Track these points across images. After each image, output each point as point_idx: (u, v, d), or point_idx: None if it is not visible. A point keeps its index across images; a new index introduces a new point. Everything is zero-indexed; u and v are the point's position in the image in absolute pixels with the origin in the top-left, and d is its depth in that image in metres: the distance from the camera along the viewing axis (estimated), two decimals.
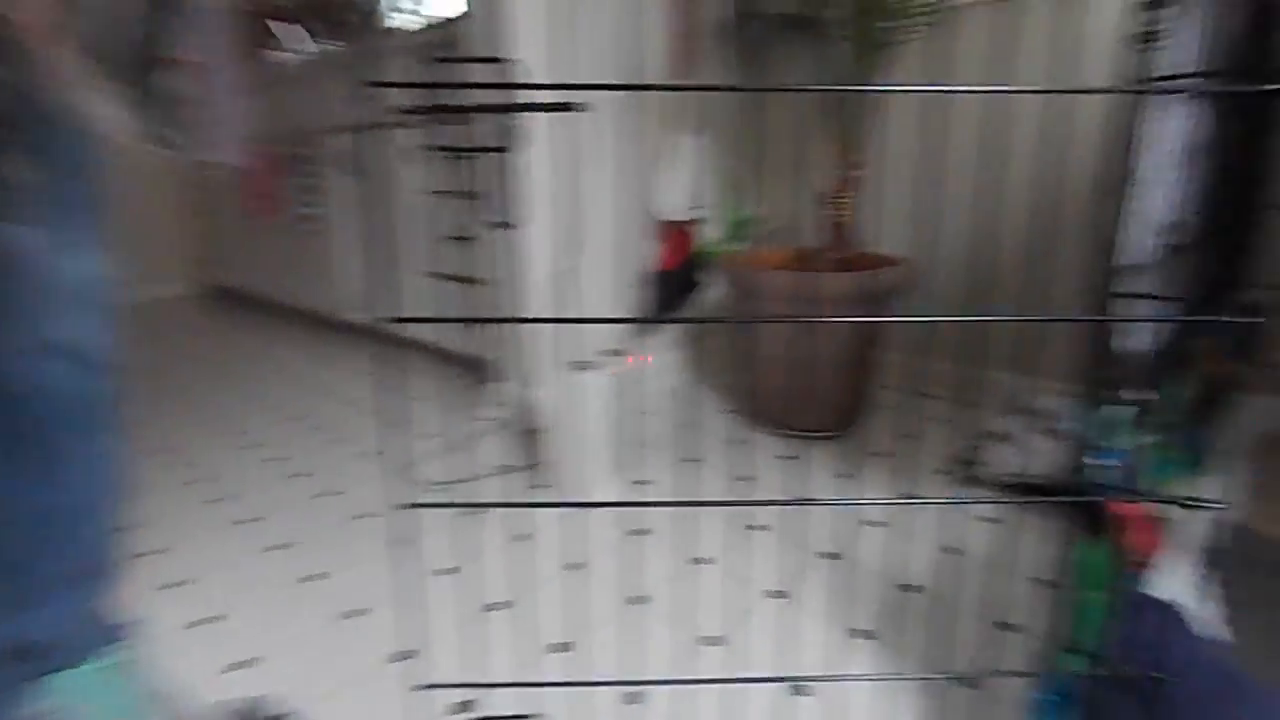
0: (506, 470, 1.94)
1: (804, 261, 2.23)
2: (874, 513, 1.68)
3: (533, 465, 1.94)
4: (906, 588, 1.41)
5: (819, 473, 1.88)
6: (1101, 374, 0.71)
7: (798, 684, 1.17)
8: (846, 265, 2.08)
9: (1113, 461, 0.80)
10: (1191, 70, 0.89)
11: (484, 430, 2.16)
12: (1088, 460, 0.78)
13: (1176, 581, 1.07)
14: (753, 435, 2.13)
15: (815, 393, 2.02)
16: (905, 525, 1.62)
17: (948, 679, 1.08)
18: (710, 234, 2.43)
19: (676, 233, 2.15)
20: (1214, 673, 0.81)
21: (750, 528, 1.64)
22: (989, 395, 2.26)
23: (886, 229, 2.38)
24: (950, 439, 2.05)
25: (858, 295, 1.90)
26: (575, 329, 1.70)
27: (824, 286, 1.87)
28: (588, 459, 1.77)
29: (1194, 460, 1.44)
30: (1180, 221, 1.13)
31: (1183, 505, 0.73)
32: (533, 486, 1.86)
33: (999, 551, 1.47)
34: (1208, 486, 1.43)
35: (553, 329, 1.71)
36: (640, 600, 1.39)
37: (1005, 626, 1.27)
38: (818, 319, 1.91)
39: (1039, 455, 1.71)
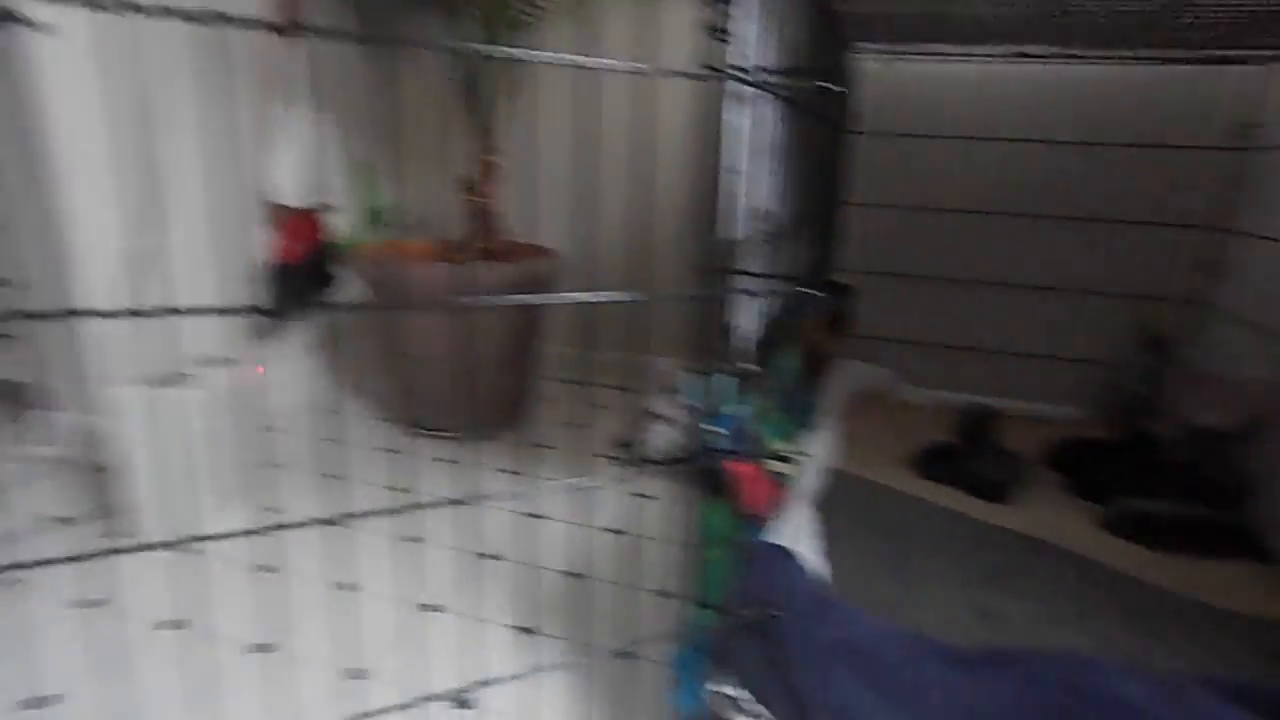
0: (64, 521, 1.52)
1: (449, 253, 2.13)
2: (542, 506, 1.65)
3: (105, 512, 1.55)
4: (572, 575, 1.40)
5: (484, 473, 1.80)
6: (711, 348, 0.74)
7: (461, 698, 1.08)
8: (495, 256, 2.03)
9: (724, 427, 0.84)
10: (760, 66, 0.98)
11: (26, 474, 1.67)
12: (704, 428, 0.81)
13: (790, 528, 1.20)
14: (410, 442, 1.98)
15: (475, 391, 1.94)
16: (572, 514, 1.62)
17: (594, 657, 1.08)
18: (343, 224, 2.20)
19: (298, 220, 1.89)
20: (812, 601, 0.90)
21: (410, 540, 1.50)
22: (647, 378, 2.40)
23: (537, 217, 2.38)
24: (613, 424, 2.12)
25: (507, 287, 1.86)
26: (161, 333, 1.39)
27: (472, 279, 1.79)
28: (185, 494, 1.45)
29: (802, 420, 1.66)
30: (776, 210, 1.26)
31: (783, 460, 0.78)
32: (107, 536, 1.48)
33: (659, 526, 1.53)
34: (815, 441, 1.65)
35: (126, 334, 1.37)
36: (265, 648, 1.18)
37: (664, 595, 1.31)
38: (454, 311, 1.83)
39: (685, 430, 1.84)
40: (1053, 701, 0.86)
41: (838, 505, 1.38)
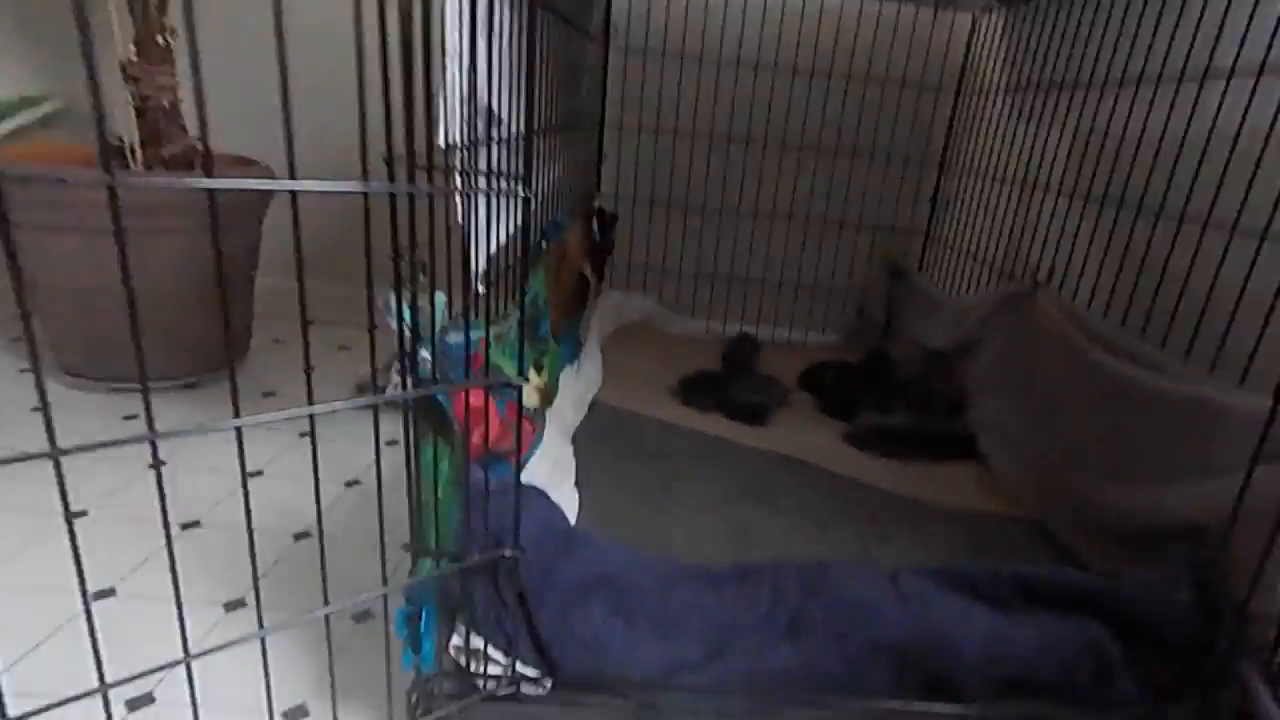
0: None
1: (111, 160, 1.74)
2: (259, 462, 1.43)
3: None
4: (300, 536, 1.22)
5: (181, 427, 1.53)
6: (415, 259, 0.62)
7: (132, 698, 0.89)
8: (178, 166, 1.65)
9: (444, 354, 0.73)
10: None
11: None
12: (420, 357, 0.69)
13: (538, 463, 1.13)
14: (79, 396, 1.63)
15: (165, 333, 1.61)
16: (302, 466, 1.42)
17: (312, 624, 0.94)
18: None
19: None
20: (555, 537, 0.83)
21: (77, 515, 1.22)
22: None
23: (230, 118, 1.95)
24: (356, 365, 1.91)
25: (193, 205, 1.52)
26: None
27: (146, 194, 1.46)
28: None
29: (563, 350, 1.58)
30: (512, 115, 1.14)
31: (509, 385, 0.69)
32: None
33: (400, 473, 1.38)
34: (574, 371, 1.59)
35: None
36: None
37: (408, 547, 1.18)
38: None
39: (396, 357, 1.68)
40: (795, 608, 0.87)
41: (598, 436, 1.33)
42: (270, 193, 1.71)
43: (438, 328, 0.76)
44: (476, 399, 0.75)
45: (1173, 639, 0.76)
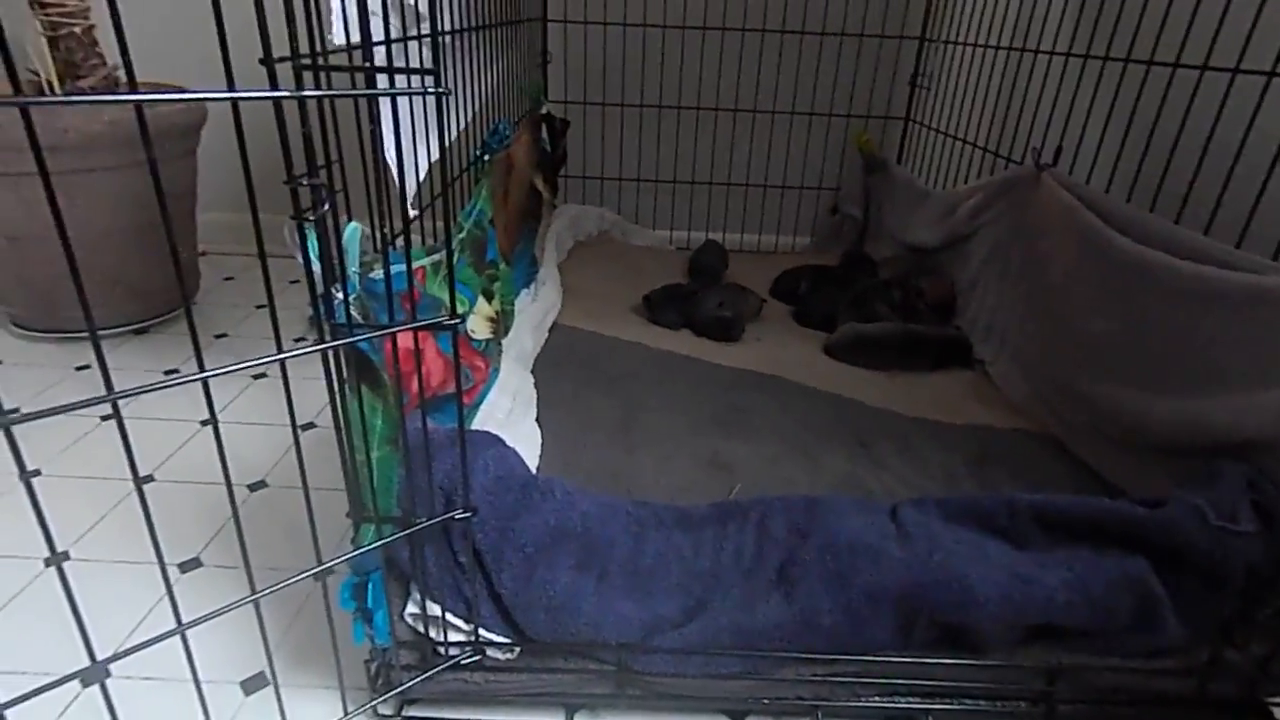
0: None
1: (24, 92, 1.56)
2: (205, 409, 1.31)
3: None
4: (256, 486, 1.11)
5: (132, 378, 1.39)
6: (316, 188, 0.48)
7: (86, 677, 0.79)
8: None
9: (369, 290, 0.60)
10: None
11: None
12: (335, 295, 0.56)
13: (492, 403, 1.01)
14: (28, 347, 1.49)
15: (108, 277, 1.46)
16: (256, 412, 1.30)
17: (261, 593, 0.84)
18: None
19: None
20: (513, 489, 0.72)
21: (30, 474, 1.11)
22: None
23: (146, 40, 1.76)
24: (306, 298, 1.76)
25: (124, 138, 1.37)
26: None
27: (72, 131, 1.30)
28: None
29: (518, 273, 1.44)
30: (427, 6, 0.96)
31: (442, 325, 0.56)
32: None
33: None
34: (531, 294, 1.45)
35: None
36: None
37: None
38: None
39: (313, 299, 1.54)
40: (783, 552, 0.78)
41: (559, 363, 1.22)
42: (202, 119, 1.54)
43: (356, 261, 0.62)
44: (409, 341, 0.63)
45: (1230, 573, 0.68)
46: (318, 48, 0.50)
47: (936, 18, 1.77)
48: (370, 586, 0.67)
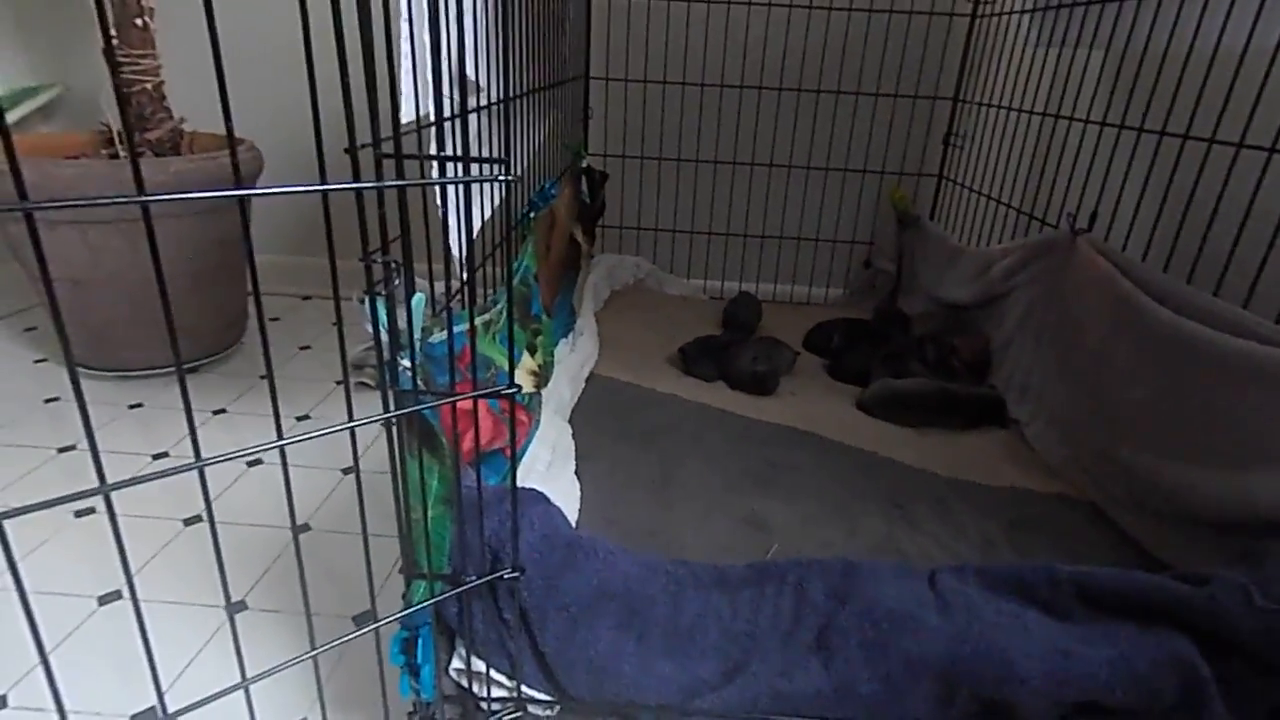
0: None
1: (104, 147, 1.66)
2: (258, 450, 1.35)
3: None
4: (300, 529, 1.14)
5: (178, 417, 1.44)
6: (388, 265, 0.52)
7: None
8: (166, 149, 1.59)
9: (425, 355, 0.63)
10: None
11: None
12: (400, 361, 0.59)
13: (535, 458, 1.03)
14: (86, 385, 1.55)
15: (164, 317, 1.52)
16: (300, 455, 1.34)
17: (316, 645, 0.86)
18: None
19: None
20: (555, 547, 0.74)
21: (80, 515, 1.15)
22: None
23: (209, 96, 1.81)
24: (349, 339, 1.82)
25: (186, 186, 1.45)
26: None
27: (136, 177, 1.36)
28: None
29: (556, 326, 1.48)
30: (487, 80, 1.02)
31: (499, 393, 0.59)
32: None
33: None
34: (569, 346, 1.49)
35: None
36: None
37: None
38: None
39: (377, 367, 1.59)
40: (822, 617, 0.79)
41: (596, 415, 1.24)
42: (259, 169, 1.62)
43: (418, 331, 0.66)
44: (464, 402, 0.66)
45: (1277, 658, 0.67)
46: (388, 131, 0.53)
47: (971, 79, 1.81)
48: (420, 641, 0.69)
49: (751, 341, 1.51)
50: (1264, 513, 0.79)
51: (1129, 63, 1.19)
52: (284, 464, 0.53)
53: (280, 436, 0.53)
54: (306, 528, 1.15)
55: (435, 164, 0.66)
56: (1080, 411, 1.12)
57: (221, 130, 1.63)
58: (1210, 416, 0.87)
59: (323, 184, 0.45)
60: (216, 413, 1.48)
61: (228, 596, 0.54)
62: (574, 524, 0.95)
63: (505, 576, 0.69)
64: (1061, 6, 1.38)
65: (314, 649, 0.58)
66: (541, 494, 0.80)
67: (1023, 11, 1.54)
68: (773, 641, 0.78)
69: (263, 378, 1.64)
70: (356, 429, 0.54)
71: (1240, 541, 0.79)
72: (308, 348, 1.79)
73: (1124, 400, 1.02)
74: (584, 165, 1.79)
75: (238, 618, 0.98)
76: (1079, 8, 1.32)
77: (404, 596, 0.71)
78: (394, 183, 0.48)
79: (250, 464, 1.29)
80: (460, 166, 0.53)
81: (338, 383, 1.64)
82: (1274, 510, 0.78)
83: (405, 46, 0.66)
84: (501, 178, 0.51)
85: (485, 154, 0.98)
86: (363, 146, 0.51)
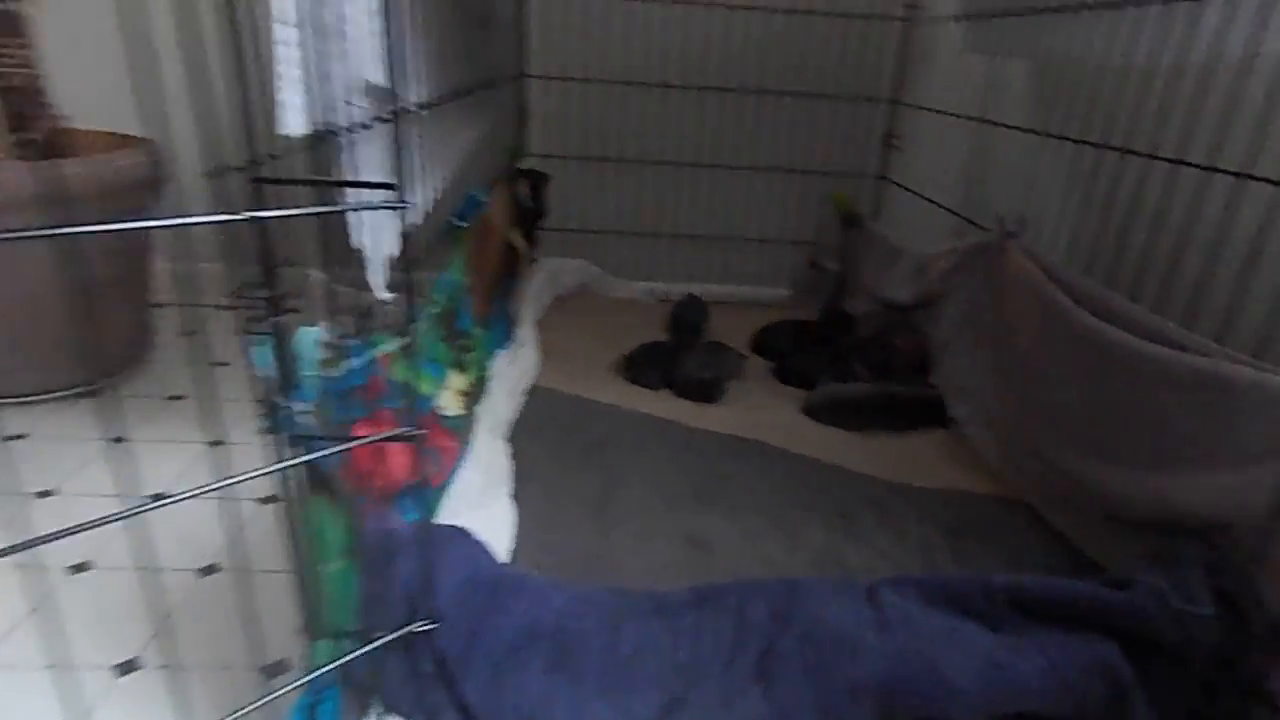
0: None
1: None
2: (163, 481, 1.26)
3: None
4: (207, 570, 1.07)
5: (74, 448, 1.34)
6: (270, 290, 0.47)
7: None
8: (44, 150, 1.47)
9: (307, 403, 0.59)
10: None
11: None
12: (283, 406, 0.54)
13: (463, 487, 0.99)
14: None
15: (51, 340, 1.41)
16: (202, 482, 1.25)
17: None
18: None
19: None
20: (481, 589, 0.70)
21: None
22: (309, 298, 1.98)
23: (102, 93, 1.58)
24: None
25: (71, 194, 1.34)
26: None
27: (6, 188, 1.27)
28: None
29: (492, 338, 1.43)
30: (399, 86, 0.96)
31: (404, 438, 0.54)
32: None
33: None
34: (508, 358, 1.44)
35: None
36: None
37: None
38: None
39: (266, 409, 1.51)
40: (762, 638, 0.77)
41: (536, 432, 1.20)
42: (161, 172, 1.49)
43: (313, 366, 0.61)
44: (371, 438, 0.61)
45: (1193, 657, 0.67)
46: (263, 150, 0.49)
47: (907, 83, 1.81)
48: (324, 705, 0.64)
49: (698, 347, 1.49)
50: (1180, 512, 0.80)
51: (1052, 72, 1.19)
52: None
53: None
54: (215, 569, 1.08)
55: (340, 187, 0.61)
56: (1014, 412, 1.13)
57: (116, 128, 1.51)
58: (1128, 419, 0.88)
59: (178, 215, 0.40)
60: (115, 441, 1.37)
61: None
62: (508, 552, 0.91)
63: (418, 630, 0.65)
64: (990, 16, 1.38)
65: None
66: (464, 531, 0.76)
67: (952, 18, 1.54)
68: (714, 669, 0.75)
69: (171, 399, 1.53)
70: (244, 429, 0.49)
71: (1160, 540, 0.80)
72: (225, 364, 1.68)
73: (1052, 402, 1.02)
74: (524, 167, 1.74)
75: (130, 679, 0.90)
76: (1003, 17, 1.32)
77: (306, 659, 0.66)
78: (268, 213, 0.44)
79: (153, 498, 1.21)
80: (344, 192, 0.49)
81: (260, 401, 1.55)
82: (1188, 510, 0.79)
83: (285, 52, 0.60)
84: (392, 204, 0.47)
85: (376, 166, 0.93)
86: (229, 170, 0.47)
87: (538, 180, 1.78)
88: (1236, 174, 0.83)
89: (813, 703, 0.70)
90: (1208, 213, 0.87)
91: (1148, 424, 0.85)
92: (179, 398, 1.53)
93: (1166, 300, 0.92)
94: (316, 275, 0.59)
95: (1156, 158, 0.93)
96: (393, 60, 0.75)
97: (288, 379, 0.54)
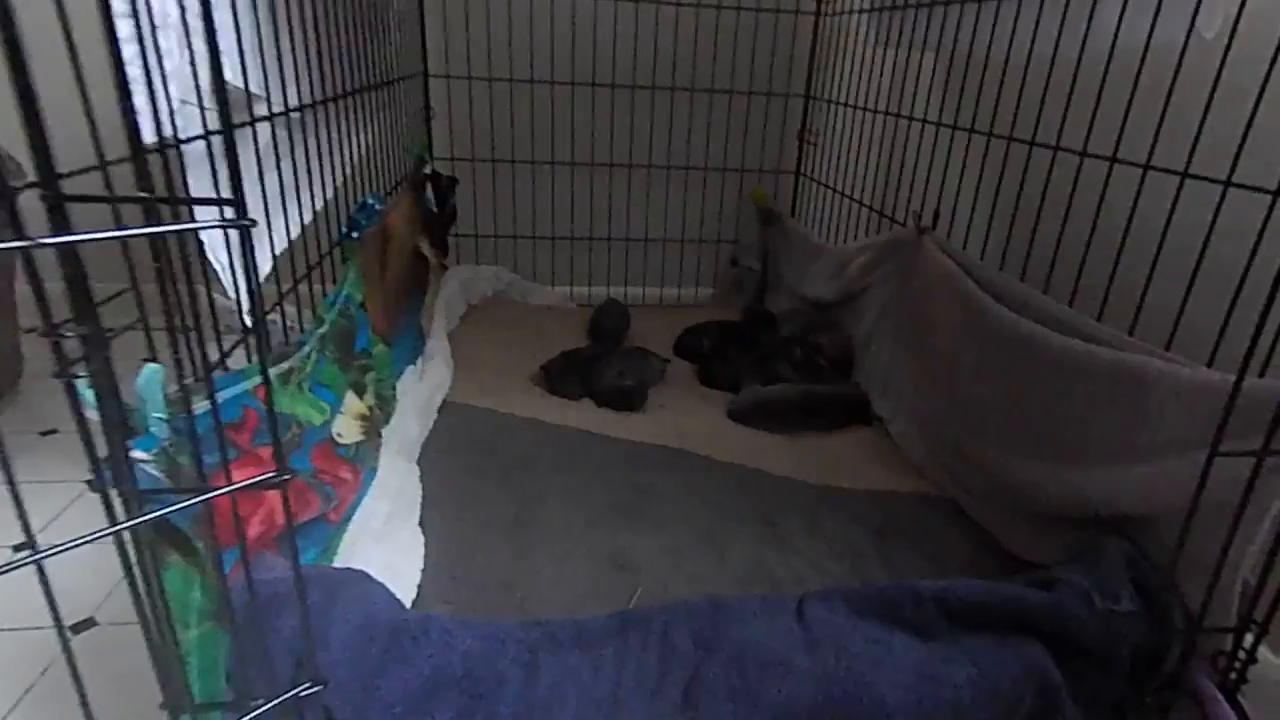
0: None
1: None
2: (37, 525, 1.14)
3: None
4: (81, 625, 0.97)
5: None
6: (93, 330, 0.40)
7: None
8: None
9: (149, 451, 0.51)
10: None
11: None
12: (131, 453, 0.47)
13: (369, 502, 0.92)
14: None
15: None
16: (77, 529, 1.14)
17: None
18: None
19: None
20: (375, 639, 0.64)
21: None
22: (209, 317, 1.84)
23: None
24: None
25: None
26: None
27: None
28: None
29: (406, 351, 1.35)
30: (261, 85, 0.88)
31: (269, 486, 0.47)
32: None
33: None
34: (417, 375, 1.36)
35: None
36: None
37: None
38: None
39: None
40: (687, 665, 0.72)
41: (448, 451, 1.13)
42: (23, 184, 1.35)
43: (160, 406, 0.53)
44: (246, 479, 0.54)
45: (1117, 654, 0.66)
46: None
47: (820, 77, 1.80)
48: None
49: (618, 354, 1.44)
50: (1098, 506, 0.80)
51: (959, 65, 1.20)
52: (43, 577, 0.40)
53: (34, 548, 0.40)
54: (91, 622, 0.97)
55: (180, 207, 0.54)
56: (935, 408, 1.12)
57: None
58: (1045, 413, 0.88)
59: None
60: None
61: None
62: (415, 587, 0.85)
63: (303, 695, 0.57)
64: (895, 8, 1.38)
65: None
66: (359, 574, 0.69)
67: (860, 11, 1.53)
68: (639, 701, 0.70)
69: (43, 434, 1.39)
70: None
71: (1080, 535, 0.79)
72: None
73: (971, 398, 1.02)
74: (429, 171, 1.66)
75: None
76: (910, 10, 1.32)
77: None
78: (66, 238, 0.37)
79: (16, 548, 1.09)
80: (170, 209, 0.42)
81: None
82: (1104, 504, 0.79)
83: (132, 50, 0.53)
84: (230, 222, 0.40)
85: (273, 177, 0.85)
86: (26, 187, 0.39)
87: (445, 183, 1.70)
88: (1142, 166, 0.83)
89: None
90: (1116, 204, 0.87)
91: (1064, 418, 0.85)
92: (52, 432, 1.40)
93: (1079, 293, 0.92)
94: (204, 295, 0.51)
95: (1063, 149, 0.93)
96: (243, 56, 0.68)
97: (115, 427, 0.46)
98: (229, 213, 0.41)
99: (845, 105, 1.61)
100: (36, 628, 0.96)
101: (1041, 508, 0.88)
